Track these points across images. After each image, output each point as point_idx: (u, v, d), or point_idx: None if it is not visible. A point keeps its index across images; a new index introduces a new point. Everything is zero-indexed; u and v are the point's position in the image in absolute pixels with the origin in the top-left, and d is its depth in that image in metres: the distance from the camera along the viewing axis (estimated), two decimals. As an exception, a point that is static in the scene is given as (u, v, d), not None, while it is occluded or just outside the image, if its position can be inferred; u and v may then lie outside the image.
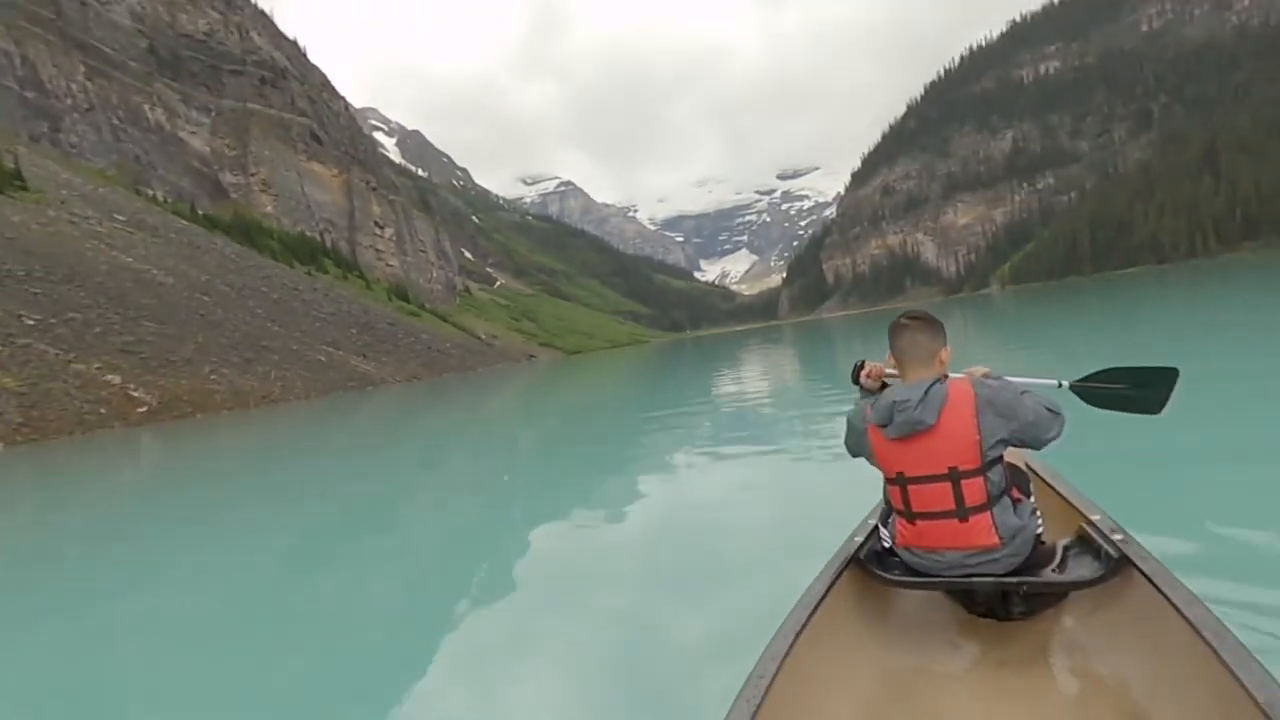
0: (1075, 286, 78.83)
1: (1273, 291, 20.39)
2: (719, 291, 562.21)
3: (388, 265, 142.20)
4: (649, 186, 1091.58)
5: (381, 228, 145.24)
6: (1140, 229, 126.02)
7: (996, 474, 1.93)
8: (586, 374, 36.19)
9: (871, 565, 2.09)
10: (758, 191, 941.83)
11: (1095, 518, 2.13)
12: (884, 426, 1.97)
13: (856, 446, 2.14)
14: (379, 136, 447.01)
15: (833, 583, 1.94)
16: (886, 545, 2.16)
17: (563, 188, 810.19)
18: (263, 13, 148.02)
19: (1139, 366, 2.37)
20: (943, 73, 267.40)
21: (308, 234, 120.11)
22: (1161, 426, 2.72)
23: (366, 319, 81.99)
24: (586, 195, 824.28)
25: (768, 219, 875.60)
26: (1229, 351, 9.54)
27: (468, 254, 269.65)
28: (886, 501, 2.15)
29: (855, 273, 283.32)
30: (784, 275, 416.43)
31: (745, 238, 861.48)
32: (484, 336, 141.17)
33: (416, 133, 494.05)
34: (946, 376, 2.04)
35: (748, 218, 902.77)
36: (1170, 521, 3.30)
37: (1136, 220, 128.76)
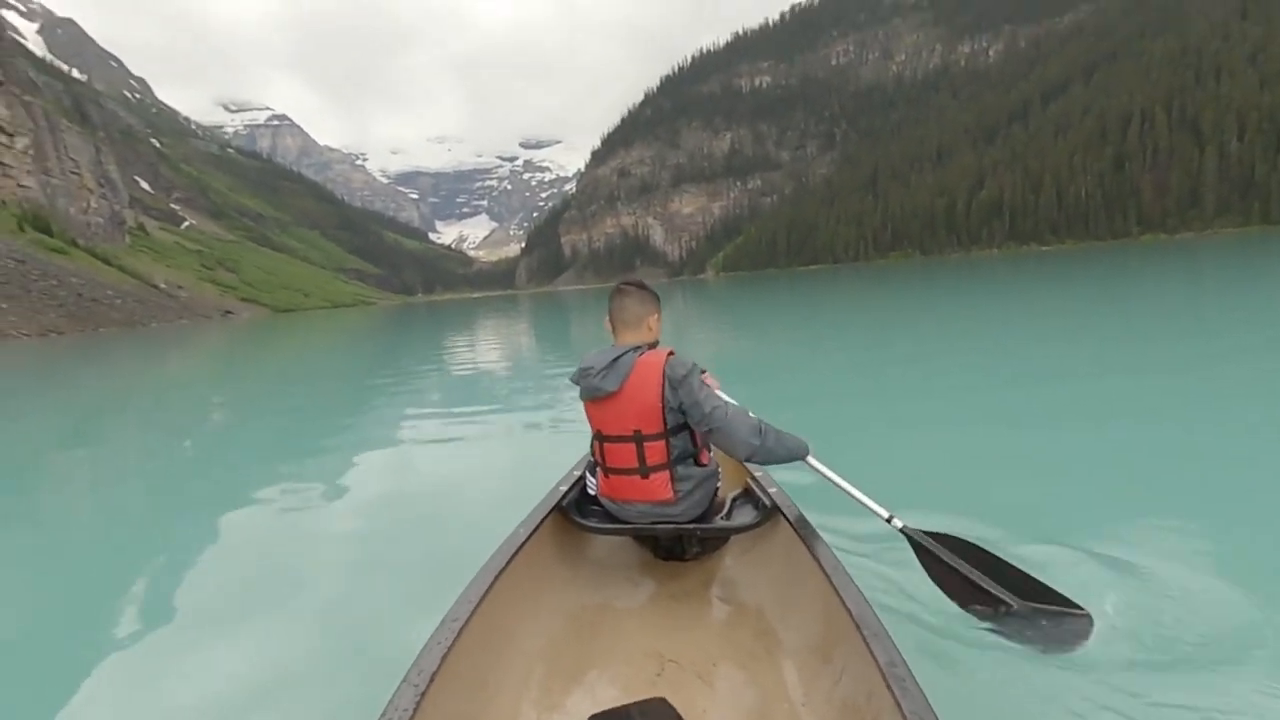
0: (772, 277, 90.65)
1: (901, 293, 25.16)
2: (456, 256, 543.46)
3: (19, 185, 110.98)
4: (382, 135, 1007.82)
5: (10, 136, 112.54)
6: (823, 233, 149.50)
7: (681, 439, 2.10)
8: (299, 335, 31.65)
9: (572, 512, 2.27)
10: (500, 157, 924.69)
11: (758, 474, 2.44)
12: (577, 386, 2.16)
13: None
14: (12, 18, 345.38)
15: (535, 529, 2.07)
16: (592, 492, 2.33)
17: (276, 121, 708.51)
18: None
19: (1019, 569, 2.10)
20: (677, 69, 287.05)
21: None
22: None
23: (-22, 251, 62.87)
24: (306, 135, 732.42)
25: (509, 186, 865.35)
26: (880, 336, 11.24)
27: (144, 184, 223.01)
28: (592, 452, 2.29)
29: (591, 248, 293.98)
30: (523, 245, 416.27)
31: (485, 203, 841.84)
32: (164, 285, 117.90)
33: (70, 22, 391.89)
34: (653, 345, 2.21)
35: (488, 183, 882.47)
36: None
37: (820, 225, 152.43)
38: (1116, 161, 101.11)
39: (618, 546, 2.41)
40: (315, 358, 18.98)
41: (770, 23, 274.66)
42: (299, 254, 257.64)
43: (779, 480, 2.40)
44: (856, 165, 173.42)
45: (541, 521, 2.14)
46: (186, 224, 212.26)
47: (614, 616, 2.05)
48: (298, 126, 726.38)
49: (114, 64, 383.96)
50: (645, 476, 2.08)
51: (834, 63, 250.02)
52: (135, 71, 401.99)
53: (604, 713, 1.32)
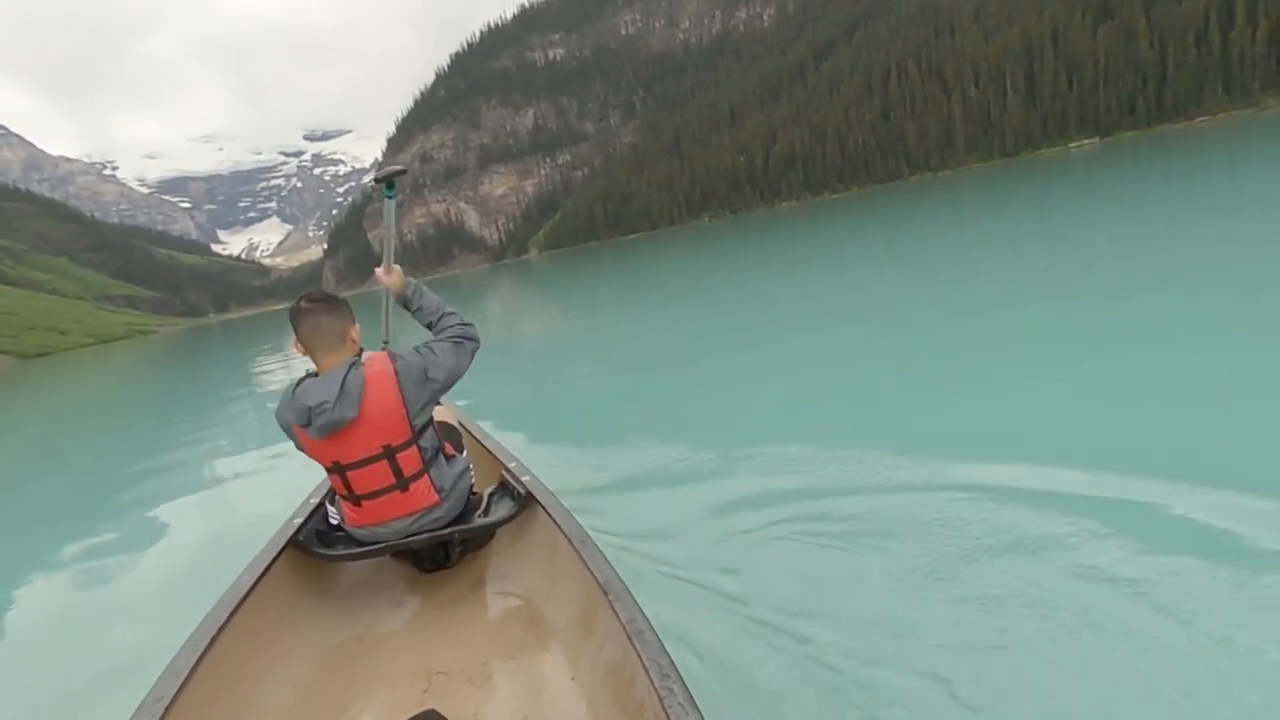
0: (595, 250, 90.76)
1: (711, 250, 25.72)
2: (247, 266, 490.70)
3: None
4: (131, 138, 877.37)
5: None
6: (637, 201, 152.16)
7: (429, 439, 2.02)
8: (51, 388, 26.10)
9: (313, 544, 2.10)
10: (283, 153, 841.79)
11: (511, 465, 2.41)
12: (305, 426, 1.88)
13: (295, 444, 2.05)
14: None
15: (267, 568, 1.91)
16: (335, 522, 2.18)
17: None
18: None
19: None
20: (466, 46, 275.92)
21: None
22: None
23: None
24: (32, 145, 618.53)
25: (299, 184, 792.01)
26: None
27: None
28: (331, 486, 2.15)
29: (404, 241, 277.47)
30: (325, 246, 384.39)
31: (274, 204, 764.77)
32: None
33: None
34: (360, 355, 1.99)
35: (274, 181, 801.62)
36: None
37: (634, 194, 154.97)
38: (883, 112, 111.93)
39: (374, 570, 2.27)
40: (47, 416, 15.36)
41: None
42: (45, 287, 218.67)
43: (533, 469, 2.40)
44: (659, 131, 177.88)
45: (275, 558, 1.97)
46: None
47: (374, 643, 1.94)
48: (17, 136, 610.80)
49: None
50: (405, 489, 1.97)
51: (623, 32, 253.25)
52: None
53: None
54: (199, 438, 7.91)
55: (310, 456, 1.99)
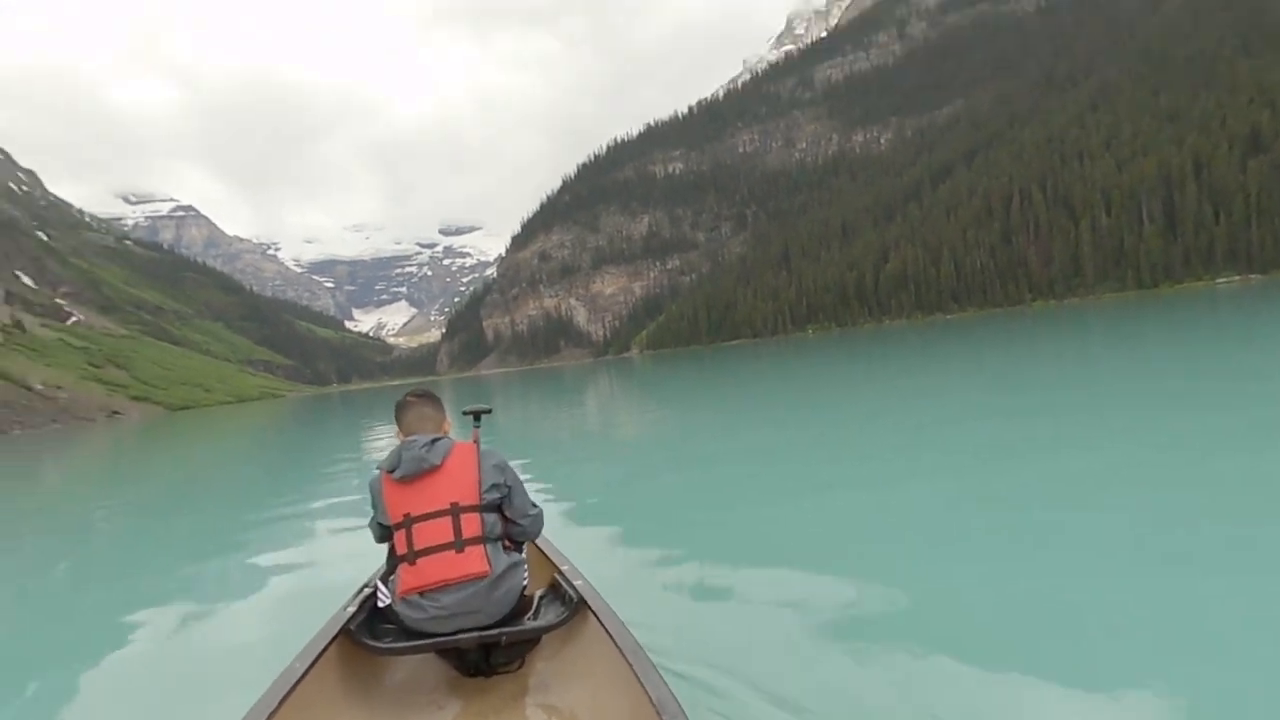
0: (696, 353, 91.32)
1: (814, 364, 24.78)
2: (373, 344, 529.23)
3: None
4: (295, 225, 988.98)
5: None
6: (741, 309, 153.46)
7: (493, 519, 2.19)
8: (172, 439, 28.30)
9: (363, 634, 2.12)
10: (419, 244, 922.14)
11: (564, 567, 2.39)
12: (393, 470, 2.15)
13: (373, 508, 2.26)
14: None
15: (316, 658, 1.91)
16: (384, 604, 2.25)
17: (181, 212, 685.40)
18: None
19: None
20: (593, 157, 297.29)
21: None
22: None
23: None
24: (214, 225, 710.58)
25: (429, 272, 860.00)
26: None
27: (26, 279, 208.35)
28: (390, 557, 2.24)
29: (514, 331, 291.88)
30: (444, 330, 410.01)
31: (405, 289, 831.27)
32: (39, 386, 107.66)
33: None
34: (450, 438, 2.31)
35: (408, 269, 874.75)
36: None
37: (739, 302, 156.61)
38: (1004, 235, 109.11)
39: (418, 666, 2.24)
40: (170, 466, 16.33)
41: (679, 115, 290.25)
42: (201, 347, 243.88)
43: (587, 573, 2.35)
44: (768, 244, 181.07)
45: (325, 649, 1.97)
46: (74, 319, 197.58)
47: None
48: (204, 217, 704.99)
49: (0, 156, 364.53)
50: (460, 550, 2.08)
51: (741, 150, 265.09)
52: (24, 164, 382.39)
53: None
54: (289, 501, 8.15)
55: (384, 513, 2.16)
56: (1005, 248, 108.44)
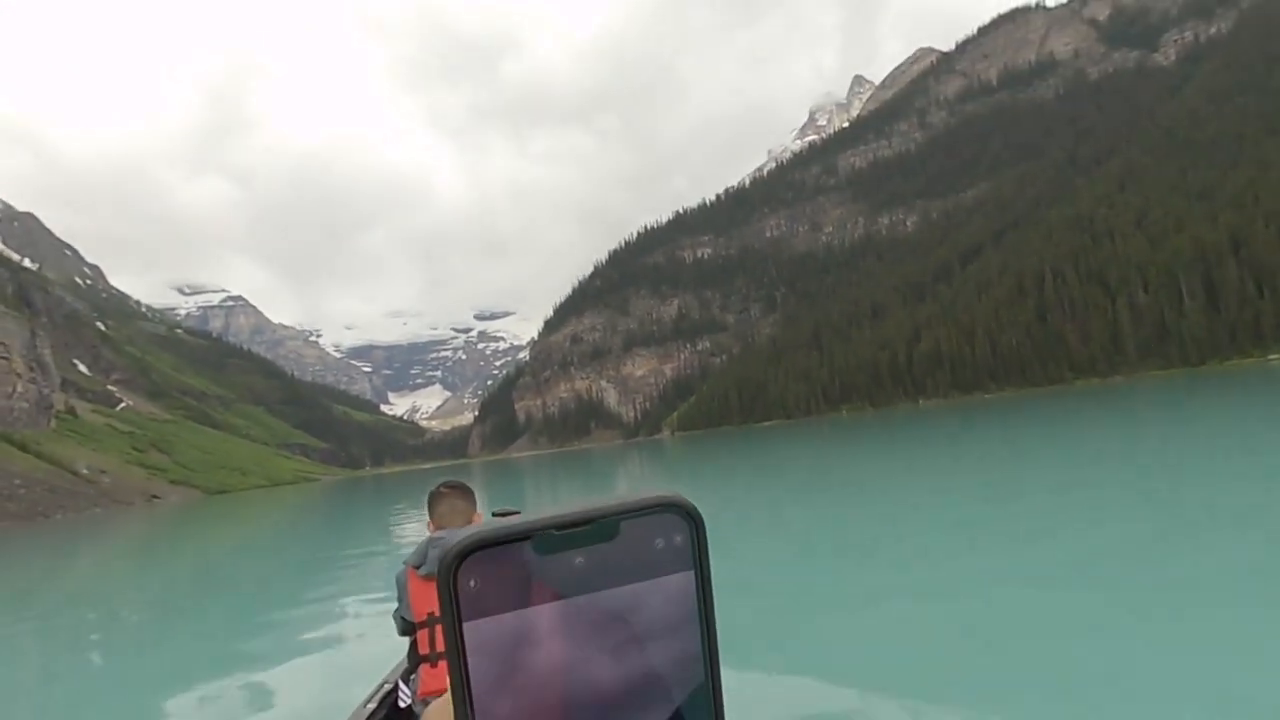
0: (727, 434, 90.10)
1: (851, 448, 24.04)
2: (406, 427, 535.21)
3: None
4: (337, 312, 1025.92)
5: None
6: (773, 390, 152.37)
7: None
8: (203, 525, 28.34)
9: None
10: (454, 329, 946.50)
11: None
12: (419, 567, 2.14)
13: (399, 602, 2.24)
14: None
15: None
16: (405, 704, 2.24)
17: (231, 302, 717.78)
18: None
19: None
20: (624, 244, 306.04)
21: None
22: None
23: None
24: (260, 314, 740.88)
25: (463, 356, 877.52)
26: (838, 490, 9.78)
27: (82, 367, 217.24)
28: (412, 654, 2.23)
29: (545, 413, 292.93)
30: (476, 413, 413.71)
31: (439, 373, 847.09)
32: (85, 471, 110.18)
33: (30, 216, 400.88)
34: None
35: (443, 354, 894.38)
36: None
37: (769, 383, 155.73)
38: (1039, 313, 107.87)
39: None
40: (196, 552, 16.22)
41: (707, 202, 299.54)
42: (240, 431, 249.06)
43: None
44: (798, 324, 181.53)
45: None
46: (122, 405, 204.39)
47: None
48: (252, 306, 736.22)
49: (68, 252, 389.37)
50: None
51: (768, 235, 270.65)
52: (90, 259, 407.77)
53: None
54: (312, 590, 8.26)
55: (409, 608, 2.14)
56: (1041, 326, 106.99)
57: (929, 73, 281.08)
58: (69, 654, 6.40)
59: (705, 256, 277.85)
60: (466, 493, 2.39)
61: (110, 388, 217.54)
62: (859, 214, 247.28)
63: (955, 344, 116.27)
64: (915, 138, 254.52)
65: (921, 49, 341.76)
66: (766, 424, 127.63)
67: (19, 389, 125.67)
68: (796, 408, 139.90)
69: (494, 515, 2.49)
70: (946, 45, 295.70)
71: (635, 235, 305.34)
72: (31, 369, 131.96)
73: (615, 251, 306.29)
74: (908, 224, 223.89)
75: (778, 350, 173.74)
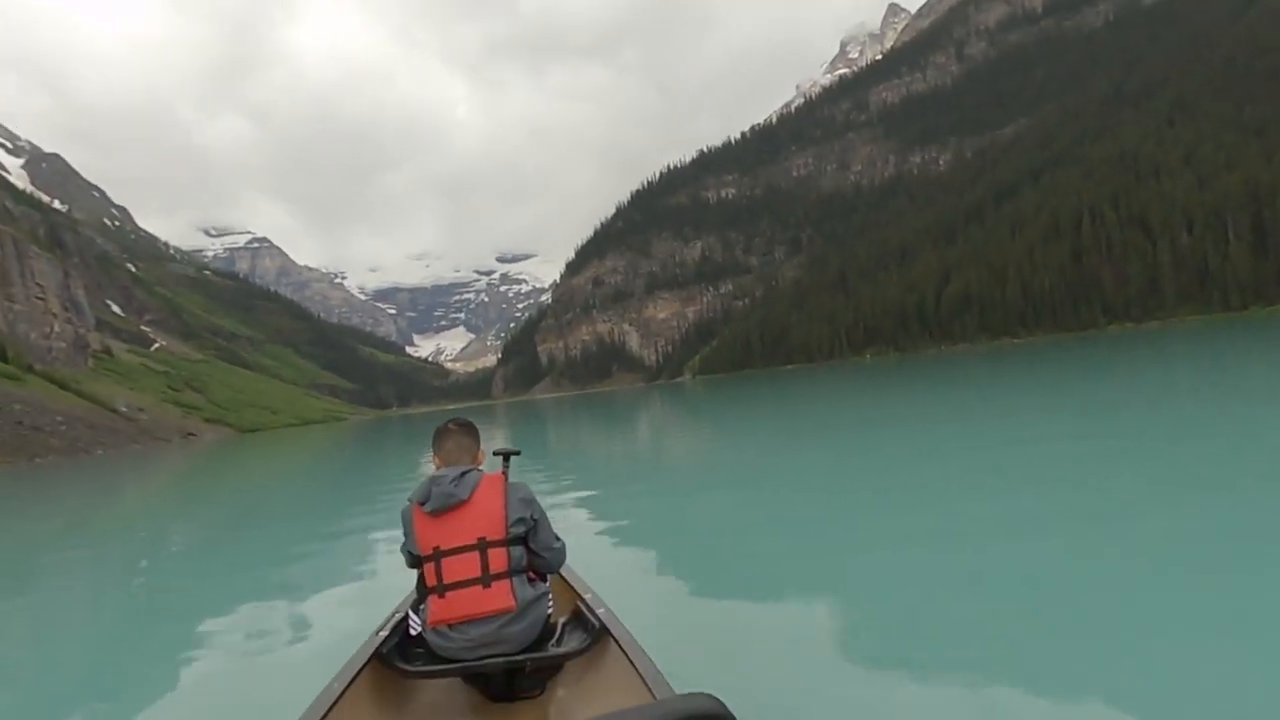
0: (749, 378, 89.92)
1: (873, 391, 23.58)
2: (431, 368, 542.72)
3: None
4: (361, 254, 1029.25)
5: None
6: (796, 333, 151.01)
7: (519, 552, 2.26)
8: (240, 460, 29.06)
9: (394, 658, 2.23)
10: (477, 271, 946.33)
11: (586, 596, 2.48)
12: (424, 503, 2.25)
13: (404, 536, 2.35)
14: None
15: (351, 681, 2.02)
16: (415, 632, 2.35)
17: (256, 244, 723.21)
18: None
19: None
20: (646, 184, 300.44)
21: None
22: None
23: (-86, 382, 59.04)
24: (286, 255, 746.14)
25: (486, 299, 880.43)
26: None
27: (115, 308, 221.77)
28: (420, 586, 2.33)
29: (567, 356, 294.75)
30: (499, 355, 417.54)
31: (463, 315, 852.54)
32: (124, 409, 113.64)
33: (57, 157, 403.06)
34: (479, 470, 2.39)
35: (466, 296, 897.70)
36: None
37: (793, 326, 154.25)
38: (1074, 255, 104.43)
39: (445, 690, 2.33)
40: (233, 487, 16.58)
41: (732, 140, 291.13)
42: (270, 371, 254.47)
43: (607, 597, 2.42)
44: (824, 266, 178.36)
45: (359, 672, 2.08)
46: (156, 345, 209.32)
47: None
48: (277, 248, 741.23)
49: (96, 194, 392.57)
50: (487, 586, 2.16)
51: (795, 174, 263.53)
52: (118, 201, 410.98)
53: None
54: (338, 522, 8.48)
55: (415, 543, 2.26)
56: (1076, 268, 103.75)
57: (969, 0, 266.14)
58: (116, 581, 6.78)
59: (729, 197, 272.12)
60: (471, 431, 2.48)
61: (144, 328, 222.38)
62: (889, 152, 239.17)
63: (985, 286, 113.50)
64: (952, 70, 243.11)
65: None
66: (789, 368, 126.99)
67: (56, 329, 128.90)
68: (819, 352, 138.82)
69: (494, 454, 2.51)
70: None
71: (657, 175, 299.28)
72: (66, 309, 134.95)
73: (637, 192, 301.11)
74: (940, 162, 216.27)
75: (801, 293, 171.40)
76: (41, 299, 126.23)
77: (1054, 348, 50.65)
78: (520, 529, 2.25)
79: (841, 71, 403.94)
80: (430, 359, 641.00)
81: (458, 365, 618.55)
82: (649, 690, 1.78)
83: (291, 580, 5.66)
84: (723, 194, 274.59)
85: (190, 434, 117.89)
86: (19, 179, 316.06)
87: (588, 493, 8.53)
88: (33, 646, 5.02)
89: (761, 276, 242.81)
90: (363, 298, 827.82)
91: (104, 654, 4.50)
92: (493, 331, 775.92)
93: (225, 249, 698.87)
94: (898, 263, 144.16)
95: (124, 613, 5.53)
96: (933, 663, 2.61)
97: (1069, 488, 5.73)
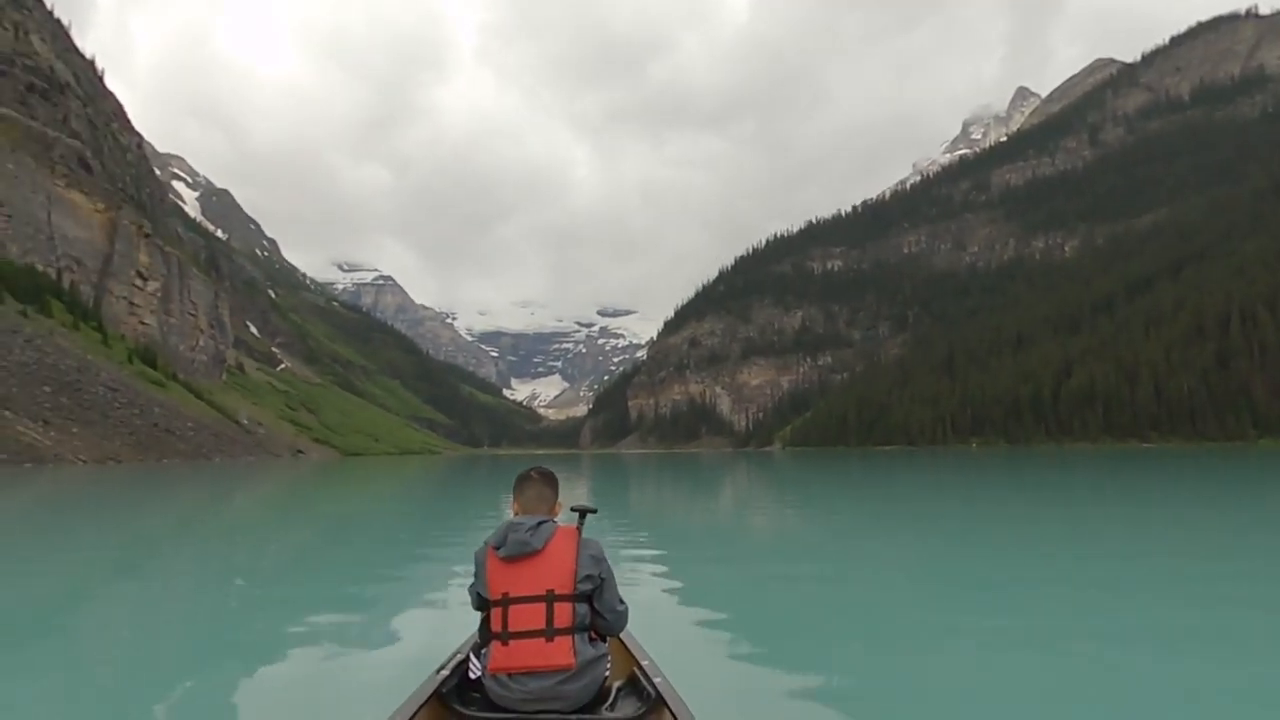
0: (841, 455, 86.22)
1: (985, 483, 21.57)
2: (525, 412, 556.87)
3: (141, 323, 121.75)
4: (471, 297, 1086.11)
5: (145, 280, 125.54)
6: (896, 413, 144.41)
7: (584, 609, 2.27)
8: (340, 483, 30.36)
9: (452, 699, 2.23)
10: (578, 322, 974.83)
11: (644, 662, 2.45)
12: (499, 548, 2.29)
13: (475, 578, 2.38)
14: (180, 187, 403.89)
15: (410, 718, 2.03)
16: (475, 675, 2.38)
17: (381, 281, 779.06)
18: (56, 20, 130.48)
19: None
20: (751, 250, 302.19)
21: (41, 268, 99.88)
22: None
23: (76, 378, 66.32)
24: (405, 293, 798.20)
25: (584, 350, 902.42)
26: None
27: (253, 329, 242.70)
28: (484, 629, 2.36)
29: (657, 413, 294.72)
30: (590, 406, 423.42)
31: (560, 364, 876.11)
32: (245, 421, 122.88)
33: (225, 192, 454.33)
34: (555, 522, 2.42)
35: (565, 345, 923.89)
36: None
37: (893, 405, 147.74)
38: (1220, 359, 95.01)
39: None
40: (333, 505, 17.17)
41: (842, 213, 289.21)
42: (378, 400, 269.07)
43: (665, 665, 2.39)
44: (930, 347, 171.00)
45: (418, 710, 2.08)
46: (282, 366, 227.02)
47: None
48: (399, 285, 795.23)
49: (253, 226, 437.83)
50: (550, 639, 2.17)
51: (905, 251, 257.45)
52: (269, 233, 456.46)
53: None
54: (415, 552, 8.92)
55: (485, 586, 2.28)
56: (1221, 373, 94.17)
57: (1106, 85, 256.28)
58: (214, 579, 7.21)
59: (835, 269, 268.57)
60: (552, 481, 2.50)
61: (274, 349, 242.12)
62: (1010, 235, 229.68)
63: (1113, 384, 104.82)
64: (1084, 155, 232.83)
65: (1100, 59, 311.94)
66: (885, 448, 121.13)
67: (201, 343, 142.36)
68: (920, 435, 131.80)
69: (571, 510, 2.65)
70: (1129, 56, 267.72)
71: (763, 242, 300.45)
72: (212, 326, 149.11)
73: (741, 258, 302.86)
74: (1066, 249, 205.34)
75: (905, 372, 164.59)
76: (193, 315, 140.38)
77: (1192, 457, 45.56)
78: (588, 585, 2.26)
79: (962, 151, 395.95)
80: (525, 403, 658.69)
81: (550, 411, 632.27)
82: None
83: (369, 600, 5.85)
84: (828, 265, 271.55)
85: (299, 451, 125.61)
86: (192, 209, 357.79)
87: (660, 552, 8.29)
88: (131, 624, 5.48)
89: (863, 351, 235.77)
90: (469, 338, 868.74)
91: (187, 644, 4.74)
92: (587, 382, 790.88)
93: (354, 283, 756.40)
94: (1013, 349, 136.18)
95: (213, 609, 5.83)
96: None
97: (1187, 613, 4.76)
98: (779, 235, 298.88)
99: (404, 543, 10.43)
